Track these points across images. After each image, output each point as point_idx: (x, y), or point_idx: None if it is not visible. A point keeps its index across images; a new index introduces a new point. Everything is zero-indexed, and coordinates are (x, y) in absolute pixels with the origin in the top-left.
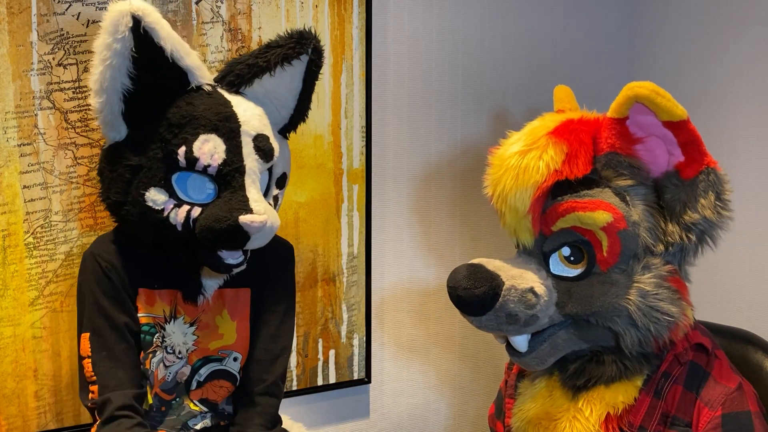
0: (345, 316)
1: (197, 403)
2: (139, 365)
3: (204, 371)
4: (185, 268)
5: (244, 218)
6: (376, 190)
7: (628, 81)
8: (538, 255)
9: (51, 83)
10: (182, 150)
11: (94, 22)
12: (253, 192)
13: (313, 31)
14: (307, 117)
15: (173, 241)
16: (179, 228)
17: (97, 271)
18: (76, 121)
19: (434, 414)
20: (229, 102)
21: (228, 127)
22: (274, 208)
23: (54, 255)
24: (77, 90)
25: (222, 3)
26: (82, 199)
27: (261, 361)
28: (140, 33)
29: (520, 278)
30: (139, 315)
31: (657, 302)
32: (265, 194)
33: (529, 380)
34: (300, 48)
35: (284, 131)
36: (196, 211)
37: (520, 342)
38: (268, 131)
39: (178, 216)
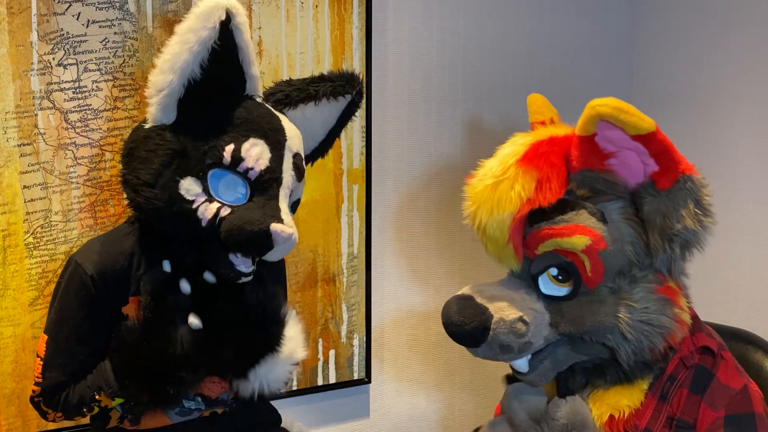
0: (345, 316)
1: (193, 396)
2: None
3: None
4: (180, 273)
5: (275, 226)
6: (376, 190)
7: (628, 81)
8: (527, 277)
9: (51, 83)
10: (230, 147)
11: (94, 22)
12: (284, 205)
13: (362, 78)
14: (326, 154)
15: (188, 237)
16: (204, 223)
17: (76, 281)
18: (76, 121)
19: (434, 414)
20: (279, 117)
21: (276, 138)
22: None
23: (54, 255)
24: (77, 90)
25: None
26: (82, 199)
27: None
28: (227, 29)
29: (508, 309)
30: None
31: (646, 316)
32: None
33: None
34: (349, 87)
35: (307, 160)
36: (226, 211)
37: (521, 364)
38: (303, 153)
39: (208, 211)
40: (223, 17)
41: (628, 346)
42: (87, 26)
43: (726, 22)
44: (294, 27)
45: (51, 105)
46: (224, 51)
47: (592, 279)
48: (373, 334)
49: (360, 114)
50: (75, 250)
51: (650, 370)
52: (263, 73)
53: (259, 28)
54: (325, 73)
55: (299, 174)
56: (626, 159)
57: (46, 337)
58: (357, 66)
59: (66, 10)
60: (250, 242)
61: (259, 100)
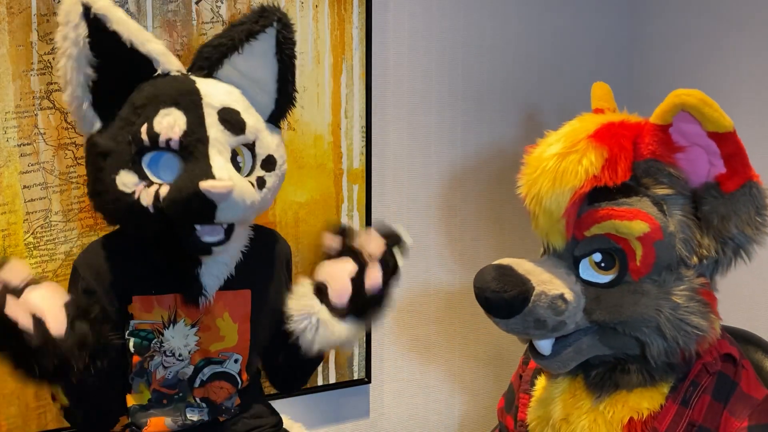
0: None
1: (198, 400)
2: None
3: (207, 371)
4: (183, 270)
5: (204, 184)
6: (376, 190)
7: (628, 81)
8: (568, 259)
9: (51, 83)
10: (144, 127)
11: None
12: (219, 161)
13: (277, 5)
14: (295, 102)
15: (151, 228)
16: (151, 210)
17: (76, 286)
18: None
19: (434, 414)
20: (194, 81)
21: (189, 100)
22: (260, 189)
23: (54, 255)
24: None
25: (222, 3)
26: (82, 199)
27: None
28: (92, 20)
29: (551, 284)
30: (136, 322)
31: (687, 315)
32: (250, 173)
33: (551, 378)
34: (264, 21)
35: (274, 119)
36: (164, 190)
37: (545, 346)
38: (241, 107)
39: (147, 196)
40: (81, 10)
41: (662, 343)
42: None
43: (726, 23)
44: (294, 27)
45: (51, 105)
46: (102, 42)
47: (639, 269)
48: (373, 334)
49: (360, 114)
50: (75, 250)
51: (673, 373)
52: None
53: None
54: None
55: (232, 127)
56: (694, 156)
57: None
58: (357, 66)
59: None
60: (188, 209)
61: (176, 74)
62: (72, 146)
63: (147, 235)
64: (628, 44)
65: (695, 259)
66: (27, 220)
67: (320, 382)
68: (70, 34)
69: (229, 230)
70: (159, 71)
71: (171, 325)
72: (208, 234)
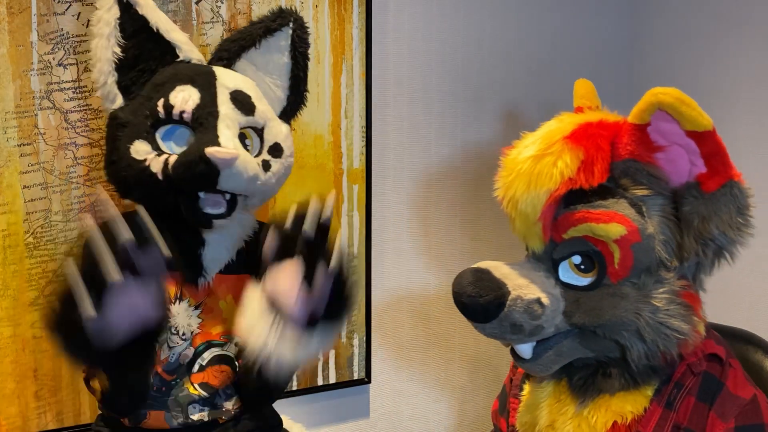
0: None
1: (197, 386)
2: None
3: (207, 355)
4: (186, 249)
5: (210, 150)
6: (376, 190)
7: (628, 81)
8: (547, 261)
9: (51, 83)
10: (161, 101)
11: None
12: (226, 133)
13: (295, 9)
14: (305, 101)
15: (158, 196)
16: (160, 177)
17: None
18: (76, 121)
19: (434, 414)
20: (212, 67)
21: (204, 79)
22: (265, 171)
23: (54, 255)
24: (77, 90)
25: (222, 3)
26: (82, 199)
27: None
28: (124, 4)
29: (527, 288)
30: None
31: (667, 319)
32: (257, 155)
33: (536, 383)
34: (282, 20)
35: (285, 116)
36: (173, 159)
37: (525, 349)
38: (253, 93)
39: (158, 164)
40: None
41: (642, 346)
42: (87, 26)
43: (726, 23)
44: (309, 29)
45: (51, 105)
46: (132, 24)
47: (617, 272)
48: (373, 334)
49: (360, 114)
50: (75, 250)
51: (657, 375)
52: None
53: None
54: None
55: (242, 106)
56: (674, 155)
57: None
58: (357, 66)
59: (66, 10)
60: (192, 173)
61: (197, 62)
62: (72, 146)
63: (154, 204)
64: (628, 44)
65: (676, 261)
66: (27, 220)
67: (320, 382)
68: (104, 15)
69: (231, 205)
70: (181, 58)
71: (177, 301)
72: (210, 205)
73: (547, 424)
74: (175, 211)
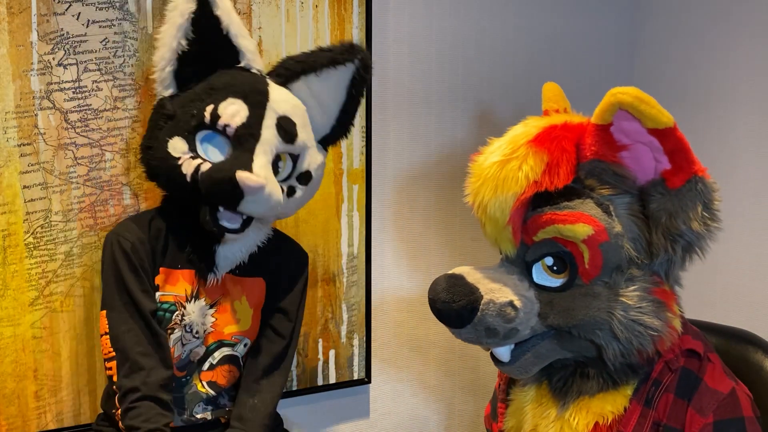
0: (345, 316)
1: (205, 384)
2: (161, 340)
3: (218, 354)
4: (201, 245)
5: (241, 174)
6: (376, 190)
7: (629, 81)
8: (520, 264)
9: (51, 83)
10: (210, 107)
11: (94, 22)
12: (261, 159)
13: (363, 47)
14: (348, 134)
15: (182, 195)
16: (188, 179)
17: (116, 250)
18: (76, 121)
19: (434, 414)
20: (268, 84)
21: (257, 99)
22: (289, 197)
23: (54, 255)
24: (77, 90)
25: None
26: (82, 199)
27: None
28: (202, 1)
29: (500, 291)
30: (160, 293)
31: (640, 316)
32: (285, 180)
33: (520, 387)
34: (349, 55)
35: (325, 142)
36: (206, 166)
37: (503, 352)
38: (299, 121)
39: (189, 167)
40: None
41: (617, 345)
42: (87, 26)
43: (726, 23)
44: (294, 27)
45: (51, 105)
46: (205, 21)
47: (588, 272)
48: (373, 334)
49: (360, 114)
50: (75, 250)
51: (635, 374)
52: None
53: (259, 28)
54: (325, 45)
55: (285, 134)
56: (638, 154)
57: (104, 312)
58: None
59: (66, 10)
60: (218, 189)
61: (256, 72)
62: (72, 146)
63: (176, 199)
64: (628, 44)
65: (646, 257)
66: (27, 220)
67: (320, 382)
68: (181, 5)
69: (246, 223)
70: (242, 64)
71: (193, 299)
72: (227, 220)
73: (530, 428)
74: (194, 211)
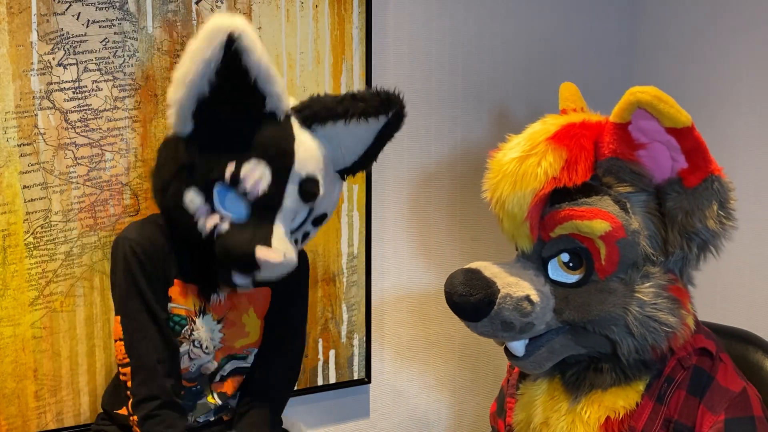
0: (345, 316)
1: (215, 395)
2: (173, 347)
3: (228, 367)
4: (209, 266)
5: (260, 252)
6: (376, 190)
7: (629, 81)
8: (536, 260)
9: (51, 83)
10: (231, 167)
11: (94, 22)
12: (280, 229)
13: (401, 97)
14: (369, 169)
15: (196, 245)
16: (204, 236)
17: (129, 254)
18: (76, 121)
19: (434, 414)
20: (294, 137)
21: (281, 163)
22: (302, 242)
23: (54, 255)
24: (77, 90)
25: (222, 3)
26: (82, 199)
27: (274, 372)
28: (231, 51)
29: (516, 285)
30: (172, 305)
31: (655, 312)
32: (298, 228)
33: (531, 381)
34: (382, 109)
35: (343, 173)
36: (225, 226)
37: (517, 347)
38: (321, 174)
39: (207, 225)
40: (225, 40)
41: (632, 341)
42: (87, 26)
43: (726, 23)
44: (294, 27)
45: (51, 105)
46: (231, 71)
47: (604, 268)
48: (373, 334)
49: None
50: (75, 250)
51: (648, 370)
52: None
53: (259, 28)
54: (359, 91)
55: (306, 198)
56: (656, 152)
57: (118, 317)
58: (357, 66)
59: (66, 10)
60: (237, 264)
61: (281, 116)
62: (72, 146)
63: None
64: (628, 44)
65: (661, 255)
66: (27, 220)
67: (320, 382)
68: (206, 52)
69: (257, 282)
70: (267, 109)
71: (201, 314)
72: (239, 280)
73: (541, 421)
74: (203, 246)
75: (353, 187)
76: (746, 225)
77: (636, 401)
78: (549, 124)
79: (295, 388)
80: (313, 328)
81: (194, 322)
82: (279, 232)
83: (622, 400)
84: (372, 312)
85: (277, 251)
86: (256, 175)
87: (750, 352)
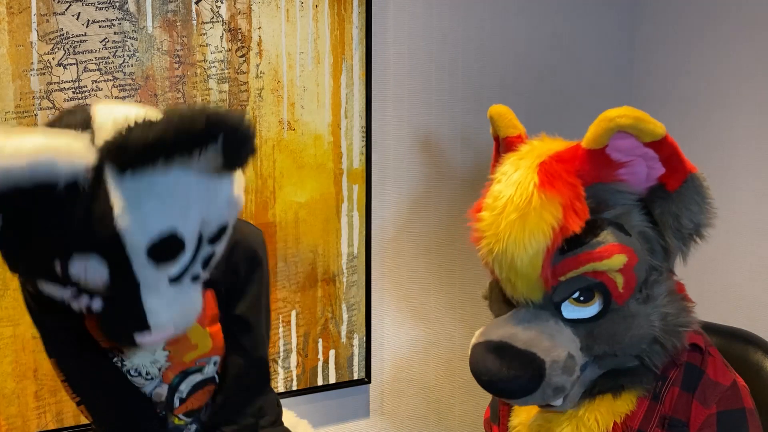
0: (345, 316)
1: (182, 417)
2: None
3: (185, 387)
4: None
5: (141, 339)
6: (376, 190)
7: (628, 81)
8: (548, 306)
9: (51, 83)
10: (57, 265)
11: (94, 22)
12: (152, 301)
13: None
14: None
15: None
16: (84, 312)
17: (30, 302)
18: None
19: (434, 414)
20: (112, 208)
21: (109, 248)
22: (207, 267)
23: None
24: (77, 90)
25: (222, 3)
26: None
27: (240, 376)
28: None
29: (554, 349)
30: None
31: (676, 318)
32: (188, 267)
33: None
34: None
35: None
36: (96, 304)
37: (557, 400)
38: (173, 215)
39: (80, 306)
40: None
41: (661, 350)
42: (87, 26)
43: (726, 24)
44: (294, 27)
45: (51, 105)
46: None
47: (623, 294)
48: (373, 334)
49: (360, 114)
50: None
51: (649, 370)
52: (263, 73)
53: (259, 28)
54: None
55: (168, 255)
56: (635, 167)
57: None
58: (357, 66)
59: (66, 10)
60: (125, 343)
61: (85, 179)
62: None
63: None
64: (628, 44)
65: (664, 261)
66: None
67: (320, 382)
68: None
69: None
70: (58, 188)
71: None
72: (140, 339)
73: (539, 425)
74: None
75: (353, 187)
76: (746, 225)
77: (634, 402)
78: (525, 168)
79: (295, 388)
80: (313, 328)
81: (122, 352)
82: (152, 304)
83: (623, 402)
84: (372, 312)
85: (160, 328)
86: (88, 273)
87: (750, 352)
